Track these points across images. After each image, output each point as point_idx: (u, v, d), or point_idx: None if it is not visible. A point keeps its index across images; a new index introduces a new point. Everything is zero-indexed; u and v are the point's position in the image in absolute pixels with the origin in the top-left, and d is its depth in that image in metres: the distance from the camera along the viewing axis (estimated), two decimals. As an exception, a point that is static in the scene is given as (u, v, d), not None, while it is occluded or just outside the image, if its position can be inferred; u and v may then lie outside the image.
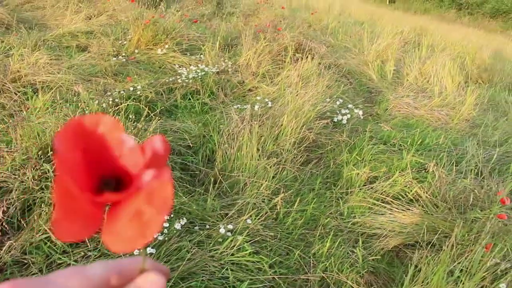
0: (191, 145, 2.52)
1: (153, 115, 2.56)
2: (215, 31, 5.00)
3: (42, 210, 1.75)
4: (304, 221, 2.12)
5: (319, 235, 2.06)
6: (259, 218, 1.99)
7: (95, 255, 1.63)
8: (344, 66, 4.48)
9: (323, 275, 1.81)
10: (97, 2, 5.94)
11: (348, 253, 2.00)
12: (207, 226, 1.90)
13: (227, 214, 2.00)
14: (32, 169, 1.90)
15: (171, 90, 3.28)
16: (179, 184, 2.17)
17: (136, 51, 4.04)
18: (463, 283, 1.64)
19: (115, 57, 3.82)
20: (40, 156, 1.98)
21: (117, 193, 0.29)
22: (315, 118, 2.89)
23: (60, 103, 2.53)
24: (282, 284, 1.73)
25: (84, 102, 2.54)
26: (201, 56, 4.07)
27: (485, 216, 2.10)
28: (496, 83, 5.36)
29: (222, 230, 1.86)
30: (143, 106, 2.68)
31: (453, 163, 2.73)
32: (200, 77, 3.43)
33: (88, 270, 0.29)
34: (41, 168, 1.91)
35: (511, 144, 3.30)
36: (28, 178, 1.85)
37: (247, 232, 1.88)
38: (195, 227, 1.90)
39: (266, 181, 2.22)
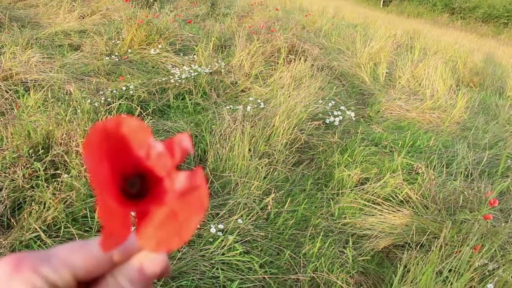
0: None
1: (145, 114, 2.56)
2: (208, 31, 5.01)
3: (33, 209, 1.74)
4: (295, 221, 2.13)
5: (309, 236, 2.07)
6: (250, 218, 2.00)
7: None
8: (337, 68, 4.50)
9: (313, 275, 1.82)
10: (90, 1, 5.93)
11: (338, 253, 2.01)
12: (198, 226, 1.90)
13: (218, 214, 2.00)
14: (22, 167, 1.89)
15: (164, 90, 3.28)
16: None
17: (129, 50, 4.03)
18: (451, 283, 1.66)
19: (108, 56, 3.81)
20: (31, 154, 1.97)
21: (150, 199, 0.29)
22: (307, 120, 2.91)
23: (52, 102, 2.52)
24: (272, 284, 1.74)
25: (76, 101, 2.53)
26: (194, 56, 4.07)
27: (474, 218, 2.12)
28: (487, 86, 5.40)
29: (213, 230, 1.86)
30: (135, 106, 2.68)
31: (443, 165, 2.75)
32: (193, 77, 3.43)
33: (91, 244, 0.29)
34: (31, 167, 1.90)
35: (501, 147, 3.33)
36: (18, 176, 1.84)
37: (238, 232, 1.89)
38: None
39: (257, 181, 2.22)
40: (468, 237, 2.02)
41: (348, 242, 2.08)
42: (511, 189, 2.63)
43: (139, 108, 2.58)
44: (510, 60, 7.14)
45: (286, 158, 2.55)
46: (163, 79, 3.35)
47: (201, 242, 1.83)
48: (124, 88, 3.05)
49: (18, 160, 1.92)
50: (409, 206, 2.29)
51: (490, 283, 1.79)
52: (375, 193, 2.41)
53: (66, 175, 1.90)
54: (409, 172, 2.60)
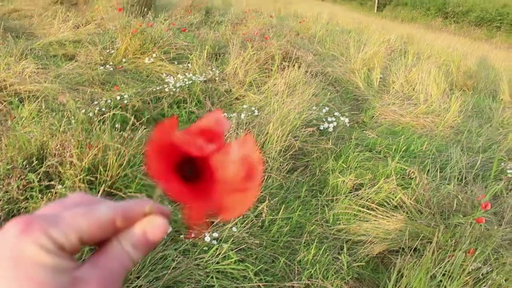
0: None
1: (139, 124, 2.57)
2: (203, 40, 5.03)
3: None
4: (289, 228, 2.14)
5: (304, 242, 2.08)
6: (244, 226, 2.00)
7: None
8: (331, 74, 4.52)
9: (308, 282, 1.82)
10: (85, 11, 5.96)
11: (333, 260, 2.02)
12: (192, 235, 1.91)
13: (212, 222, 2.01)
14: (16, 178, 1.90)
15: (158, 99, 3.29)
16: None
17: (124, 60, 4.05)
18: (445, 287, 1.66)
19: (102, 66, 3.82)
20: (25, 165, 1.98)
21: (207, 177, 0.33)
22: (301, 126, 2.92)
23: (46, 113, 2.53)
24: (267, 292, 1.74)
25: (71, 112, 2.54)
26: (189, 65, 4.09)
27: (468, 221, 2.13)
28: (481, 90, 5.44)
29: (207, 239, 1.86)
30: (130, 116, 2.69)
31: (437, 169, 2.76)
32: (187, 86, 3.45)
33: (96, 209, 0.31)
34: (26, 178, 1.91)
35: (495, 150, 3.35)
36: (12, 188, 1.85)
37: (233, 240, 1.89)
38: (180, 236, 1.90)
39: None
40: (462, 241, 2.03)
41: (343, 248, 2.09)
42: (505, 192, 2.65)
43: (132, 118, 2.58)
44: (503, 63, 7.18)
45: (280, 165, 2.56)
46: (158, 88, 3.36)
47: (196, 251, 1.83)
48: (118, 97, 3.06)
49: (12, 172, 1.93)
50: (403, 211, 2.30)
51: (484, 286, 1.80)
52: (369, 198, 2.42)
53: (60, 186, 1.90)
54: (403, 177, 2.61)
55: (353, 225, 2.24)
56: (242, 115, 2.95)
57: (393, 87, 4.38)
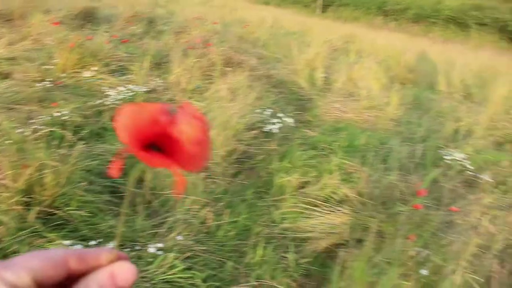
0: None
1: (78, 139, 2.51)
2: (145, 50, 4.97)
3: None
4: (236, 232, 2.14)
5: (252, 245, 2.09)
6: (190, 234, 1.99)
7: None
8: (275, 76, 4.58)
9: (256, 283, 1.83)
10: (21, 27, 5.75)
11: (281, 259, 2.04)
12: (137, 247, 1.88)
13: (156, 232, 1.99)
14: None
15: (100, 113, 3.22)
16: (108, 207, 2.14)
17: (63, 75, 3.94)
18: (386, 273, 1.72)
19: (40, 83, 3.70)
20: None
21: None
22: (245, 129, 2.94)
23: (-22, 135, 2.42)
24: (215, 297, 1.74)
25: (4, 132, 2.44)
26: (131, 76, 4.03)
27: (408, 209, 2.21)
28: (420, 83, 5.66)
29: (151, 249, 1.84)
30: (67, 132, 2.62)
31: (380, 161, 2.85)
32: (129, 97, 3.40)
33: (48, 251, 0.33)
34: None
35: (433, 139, 3.49)
36: None
37: (179, 249, 1.88)
38: (125, 249, 1.87)
39: (195, 196, 2.22)
40: (403, 228, 2.10)
41: (290, 246, 2.11)
42: (440, 179, 2.77)
43: (71, 134, 2.52)
44: (439, 56, 7.52)
45: (225, 170, 2.56)
46: (98, 102, 3.29)
47: (141, 263, 1.80)
48: (57, 114, 2.97)
49: None
50: (348, 205, 2.36)
51: (424, 269, 1.87)
52: (315, 195, 2.46)
53: (-7, 210, 1.83)
54: (346, 172, 2.68)
55: (300, 222, 2.27)
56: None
57: (336, 85, 4.48)
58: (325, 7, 18.67)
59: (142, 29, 6.89)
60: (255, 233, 2.18)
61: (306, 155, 2.88)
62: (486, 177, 3.00)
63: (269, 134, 3.17)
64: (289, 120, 3.35)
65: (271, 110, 3.40)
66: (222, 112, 2.99)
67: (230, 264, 1.91)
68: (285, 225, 2.26)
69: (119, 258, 0.35)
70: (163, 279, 1.75)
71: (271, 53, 5.78)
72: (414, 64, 6.43)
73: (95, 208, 2.09)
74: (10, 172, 2.01)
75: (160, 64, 4.57)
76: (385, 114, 3.88)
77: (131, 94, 3.43)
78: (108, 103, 3.27)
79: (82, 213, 2.01)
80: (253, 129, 2.99)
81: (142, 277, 1.74)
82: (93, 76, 3.92)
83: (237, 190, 2.50)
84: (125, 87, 3.65)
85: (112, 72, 4.05)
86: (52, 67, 4.04)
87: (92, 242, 1.84)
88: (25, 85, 3.62)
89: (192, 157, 0.38)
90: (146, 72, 3.99)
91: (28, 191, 2.01)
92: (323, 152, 2.97)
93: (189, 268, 1.83)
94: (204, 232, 2.06)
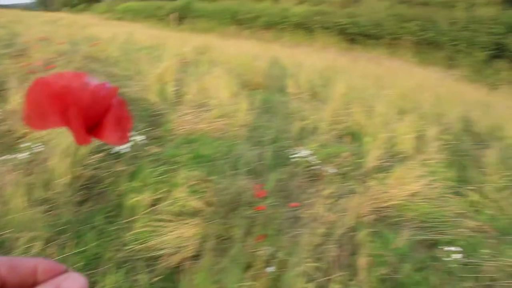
0: None
1: None
2: (-24, 78, 4.49)
3: None
4: (85, 262, 2.04)
5: (103, 272, 2.00)
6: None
7: None
8: (126, 94, 4.47)
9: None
10: None
11: (134, 281, 1.99)
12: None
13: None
14: None
15: None
16: None
17: None
18: (233, 276, 1.78)
19: None
20: None
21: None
22: (91, 153, 2.82)
23: None
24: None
25: None
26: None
27: (254, 212, 2.32)
28: (271, 87, 5.98)
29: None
30: None
31: (229, 168, 2.94)
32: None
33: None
34: None
35: (282, 139, 3.72)
36: None
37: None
38: None
39: (36, 231, 2.07)
40: (251, 230, 2.20)
41: (143, 267, 2.08)
42: (287, 177, 2.95)
43: None
44: (289, 60, 8.04)
45: (70, 199, 2.43)
46: None
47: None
48: None
49: None
50: (199, 216, 2.39)
51: (271, 266, 1.98)
52: (167, 211, 2.45)
53: None
54: (196, 183, 2.71)
55: (152, 241, 2.24)
56: (24, 154, 2.72)
57: (187, 97, 4.53)
58: (180, 20, 18.78)
59: (-25, 55, 6.23)
60: (106, 259, 2.10)
61: (158, 172, 2.86)
62: (329, 169, 3.28)
63: (119, 155, 3.08)
64: (140, 138, 3.30)
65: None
66: (65, 137, 2.83)
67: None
68: (137, 246, 2.22)
69: (58, 270, 0.34)
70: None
71: (123, 71, 5.63)
72: (265, 69, 6.77)
73: None
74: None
75: (-4, 93, 4.17)
76: (236, 121, 4.02)
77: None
78: None
79: None
80: (99, 152, 2.87)
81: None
82: None
83: (85, 218, 2.38)
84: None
85: None
86: None
87: None
88: None
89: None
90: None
91: None
92: (175, 166, 2.98)
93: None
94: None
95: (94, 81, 0.43)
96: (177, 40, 10.30)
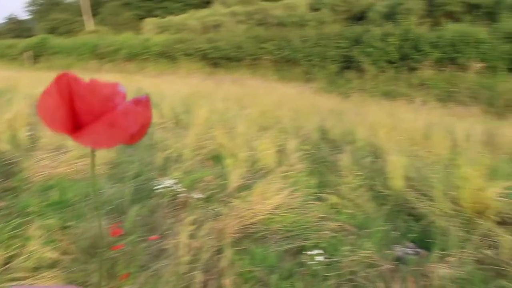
0: None
1: None
2: None
3: None
4: None
5: None
6: None
7: None
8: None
9: None
10: None
11: None
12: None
13: None
14: None
15: None
16: None
17: None
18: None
19: None
20: None
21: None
22: None
23: None
24: None
25: None
26: None
27: (114, 252, 2.28)
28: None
29: None
30: None
31: (91, 210, 2.85)
32: None
33: None
34: None
35: (146, 172, 3.70)
36: None
37: None
38: None
39: None
40: (114, 271, 2.16)
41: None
42: (144, 212, 2.94)
43: None
44: (152, 89, 8.02)
45: None
46: None
47: None
48: None
49: None
50: (57, 267, 2.28)
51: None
52: (22, 268, 2.29)
53: None
54: (52, 232, 2.58)
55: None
56: None
57: (43, 141, 4.29)
58: (36, 58, 17.64)
59: None
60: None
61: (10, 226, 2.66)
62: (195, 195, 3.33)
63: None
64: None
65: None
66: None
67: None
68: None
69: None
70: None
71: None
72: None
73: None
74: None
75: None
76: (96, 159, 3.90)
77: None
78: None
79: None
80: None
81: None
82: None
83: None
84: None
85: None
86: None
87: None
88: None
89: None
90: None
91: None
92: (29, 218, 2.80)
93: None
94: None
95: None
96: (31, 80, 9.67)
